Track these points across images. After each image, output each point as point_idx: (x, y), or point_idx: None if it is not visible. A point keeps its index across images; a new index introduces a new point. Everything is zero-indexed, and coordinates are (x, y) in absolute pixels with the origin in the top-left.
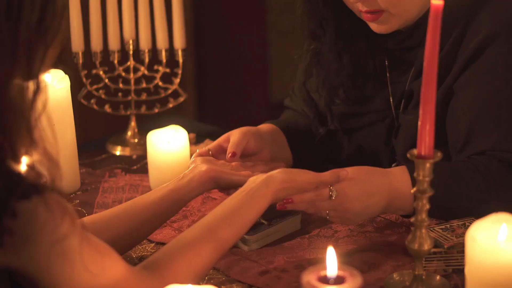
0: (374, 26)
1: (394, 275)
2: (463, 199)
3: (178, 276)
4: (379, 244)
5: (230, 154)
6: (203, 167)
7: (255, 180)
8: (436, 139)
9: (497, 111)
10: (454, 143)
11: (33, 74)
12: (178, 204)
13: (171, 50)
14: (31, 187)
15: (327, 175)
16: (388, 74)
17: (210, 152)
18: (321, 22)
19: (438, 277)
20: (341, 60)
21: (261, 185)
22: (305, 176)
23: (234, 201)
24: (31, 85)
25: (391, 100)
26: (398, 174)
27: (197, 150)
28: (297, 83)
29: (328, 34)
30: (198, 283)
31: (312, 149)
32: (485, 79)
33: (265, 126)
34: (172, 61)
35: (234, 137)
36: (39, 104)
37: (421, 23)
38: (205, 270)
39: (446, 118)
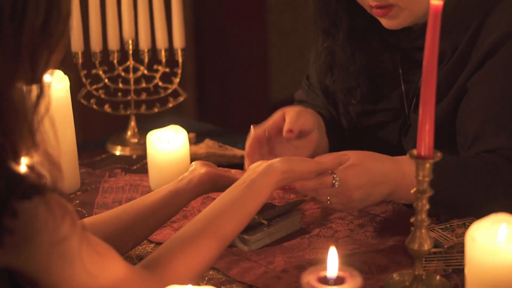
0: (385, 22)
1: (394, 275)
2: (468, 194)
3: (178, 274)
4: (379, 244)
5: (287, 131)
6: (202, 169)
7: (255, 169)
8: (450, 136)
9: (508, 110)
10: (463, 141)
11: (37, 78)
12: (177, 205)
13: (170, 50)
14: (32, 188)
15: (328, 162)
16: (401, 73)
17: (266, 133)
18: (335, 20)
19: (438, 277)
20: (354, 60)
21: (262, 175)
22: (305, 165)
23: (234, 193)
24: (34, 88)
25: (404, 99)
26: (406, 164)
27: (252, 130)
28: (315, 83)
29: (341, 33)
30: (198, 284)
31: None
32: (497, 78)
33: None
34: (171, 60)
35: (289, 115)
36: (42, 108)
37: None
38: (206, 267)
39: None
